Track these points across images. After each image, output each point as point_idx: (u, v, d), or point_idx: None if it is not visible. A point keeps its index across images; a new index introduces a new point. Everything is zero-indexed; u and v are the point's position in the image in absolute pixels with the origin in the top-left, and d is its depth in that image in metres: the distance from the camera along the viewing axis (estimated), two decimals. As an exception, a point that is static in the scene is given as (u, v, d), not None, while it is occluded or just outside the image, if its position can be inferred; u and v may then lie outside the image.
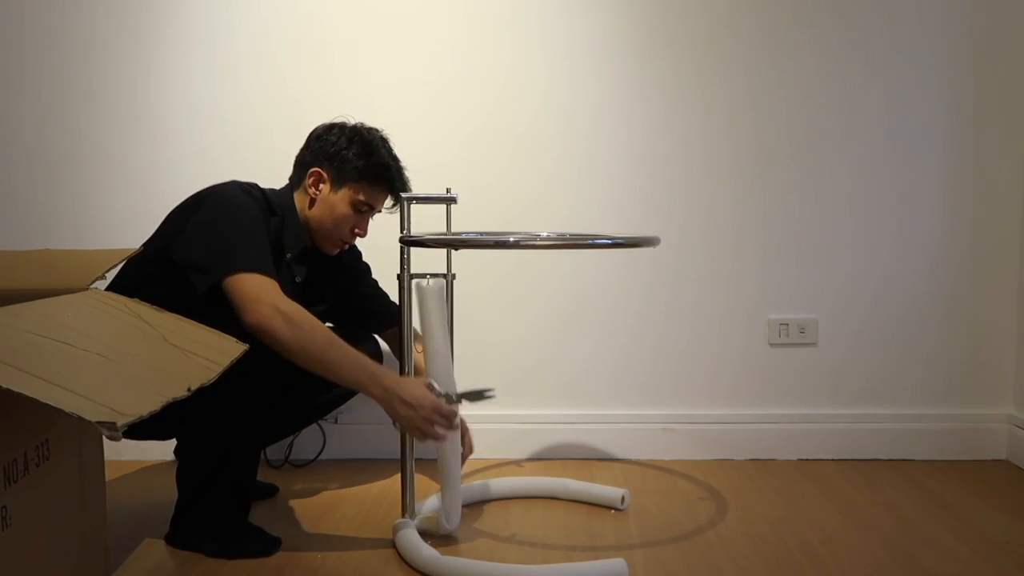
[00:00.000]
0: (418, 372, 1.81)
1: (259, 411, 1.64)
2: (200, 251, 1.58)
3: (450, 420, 1.58)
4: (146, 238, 1.72)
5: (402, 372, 1.67)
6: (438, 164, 2.23)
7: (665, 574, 1.55)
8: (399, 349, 1.69)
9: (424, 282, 1.62)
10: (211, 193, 1.67)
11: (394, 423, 1.60)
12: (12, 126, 2.28)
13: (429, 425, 1.56)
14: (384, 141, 1.80)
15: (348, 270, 1.94)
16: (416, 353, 1.80)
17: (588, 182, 2.27)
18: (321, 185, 1.75)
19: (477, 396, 1.64)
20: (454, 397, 1.63)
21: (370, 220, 1.82)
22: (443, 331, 1.64)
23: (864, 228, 2.26)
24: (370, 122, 2.27)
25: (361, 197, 1.74)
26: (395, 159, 1.79)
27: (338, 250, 1.81)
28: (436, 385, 1.61)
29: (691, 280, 2.29)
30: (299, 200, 1.77)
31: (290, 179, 1.81)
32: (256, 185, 1.75)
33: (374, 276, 2.04)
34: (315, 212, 1.75)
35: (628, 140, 2.27)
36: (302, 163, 1.78)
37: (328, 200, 1.74)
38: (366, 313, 1.98)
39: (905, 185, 2.25)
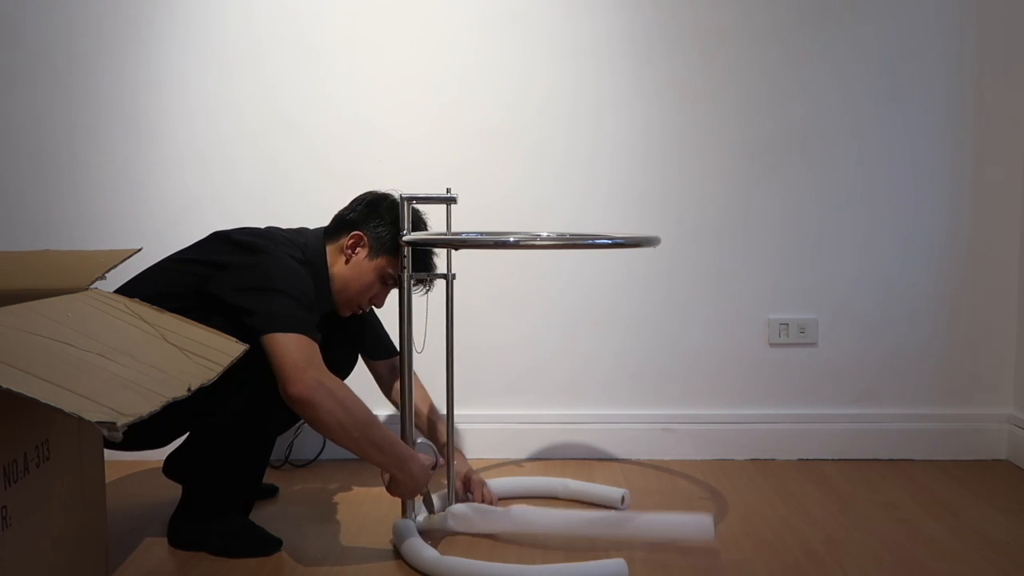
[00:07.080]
0: (429, 434, 1.93)
1: (265, 411, 1.64)
2: (245, 295, 1.56)
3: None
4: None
5: (402, 360, 1.67)
6: (439, 164, 2.24)
7: (665, 574, 1.55)
8: (400, 351, 1.69)
9: None
10: (264, 248, 1.64)
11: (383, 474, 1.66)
12: (12, 126, 2.28)
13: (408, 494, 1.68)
14: (425, 224, 1.82)
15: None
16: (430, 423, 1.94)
17: (589, 182, 2.27)
18: (359, 249, 1.75)
19: (428, 504, 1.78)
20: (429, 499, 1.77)
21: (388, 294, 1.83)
22: None
23: (864, 228, 2.26)
24: (370, 121, 2.29)
25: (391, 271, 1.75)
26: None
27: (351, 313, 1.81)
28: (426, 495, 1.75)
29: (691, 280, 2.29)
30: (331, 253, 1.77)
31: (327, 229, 1.80)
32: (294, 243, 1.72)
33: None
34: (345, 272, 1.75)
35: (629, 140, 2.27)
36: (344, 221, 1.78)
37: (361, 265, 1.75)
38: (362, 337, 1.95)
39: (905, 185, 2.25)
